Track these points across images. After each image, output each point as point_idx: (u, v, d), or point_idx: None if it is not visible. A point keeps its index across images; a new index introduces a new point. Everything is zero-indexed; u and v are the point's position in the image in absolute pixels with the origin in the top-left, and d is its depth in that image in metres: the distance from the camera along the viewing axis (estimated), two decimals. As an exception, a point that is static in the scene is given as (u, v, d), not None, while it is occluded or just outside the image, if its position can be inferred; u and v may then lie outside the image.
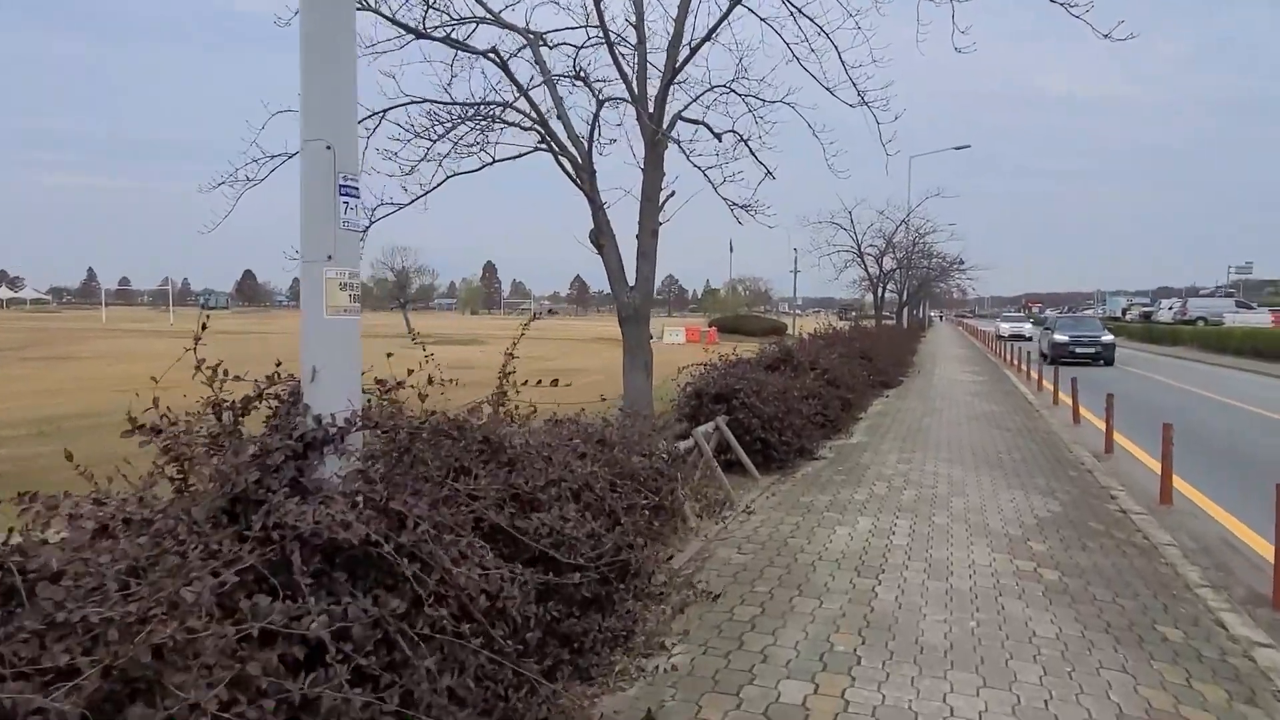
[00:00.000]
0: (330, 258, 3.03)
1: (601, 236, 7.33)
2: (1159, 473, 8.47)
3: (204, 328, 2.97)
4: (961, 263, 42.77)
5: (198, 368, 2.98)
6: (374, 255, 65.19)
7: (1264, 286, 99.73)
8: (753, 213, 8.09)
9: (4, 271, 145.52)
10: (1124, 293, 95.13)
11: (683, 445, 6.91)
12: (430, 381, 3.40)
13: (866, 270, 32.73)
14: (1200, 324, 42.37)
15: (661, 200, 7.41)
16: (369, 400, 3.41)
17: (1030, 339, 42.84)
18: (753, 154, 8.41)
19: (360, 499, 2.97)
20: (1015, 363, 26.58)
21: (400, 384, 3.39)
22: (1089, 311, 67.93)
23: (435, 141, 6.77)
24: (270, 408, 3.24)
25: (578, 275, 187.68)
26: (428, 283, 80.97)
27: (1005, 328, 46.84)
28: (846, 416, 11.94)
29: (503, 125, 7.12)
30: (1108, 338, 27.56)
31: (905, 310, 42.37)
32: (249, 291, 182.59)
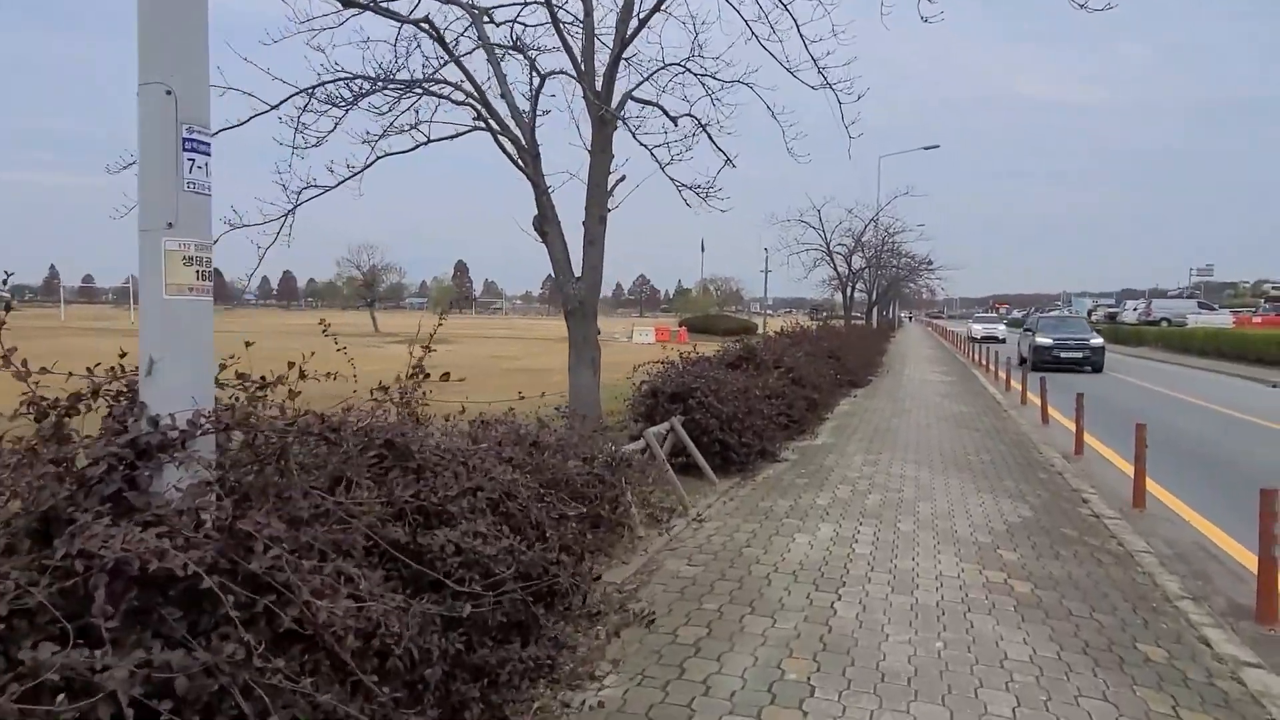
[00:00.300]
0: (171, 225, 2.51)
1: (545, 223, 6.81)
2: (1130, 475, 8.17)
3: (7, 309, 2.43)
4: (930, 263, 42.85)
5: (2, 359, 2.44)
6: (339, 254, 64.36)
7: (1224, 289, 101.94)
8: (703, 195, 7.63)
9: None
10: (1089, 294, 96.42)
11: (632, 447, 6.44)
12: (303, 375, 2.86)
13: (835, 269, 32.53)
14: (1164, 325, 42.90)
15: (611, 185, 6.93)
16: (235, 398, 2.89)
17: (1004, 341, 41.26)
18: (711, 140, 7.97)
19: (206, 518, 2.45)
20: (984, 363, 26.48)
21: (267, 381, 2.85)
22: (1055, 311, 67.55)
23: (346, 110, 6.17)
24: (108, 407, 2.71)
25: (549, 275, 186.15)
26: (396, 281, 79.78)
27: (978, 329, 44.21)
28: (812, 417, 11.56)
29: (436, 100, 6.57)
30: (1096, 340, 24.47)
31: (875, 310, 42.33)
32: (215, 290, 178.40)
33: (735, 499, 7.27)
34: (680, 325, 54.51)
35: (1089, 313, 63.51)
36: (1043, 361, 23.38)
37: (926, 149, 38.05)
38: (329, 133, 6.12)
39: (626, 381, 9.06)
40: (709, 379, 8.44)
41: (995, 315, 68.84)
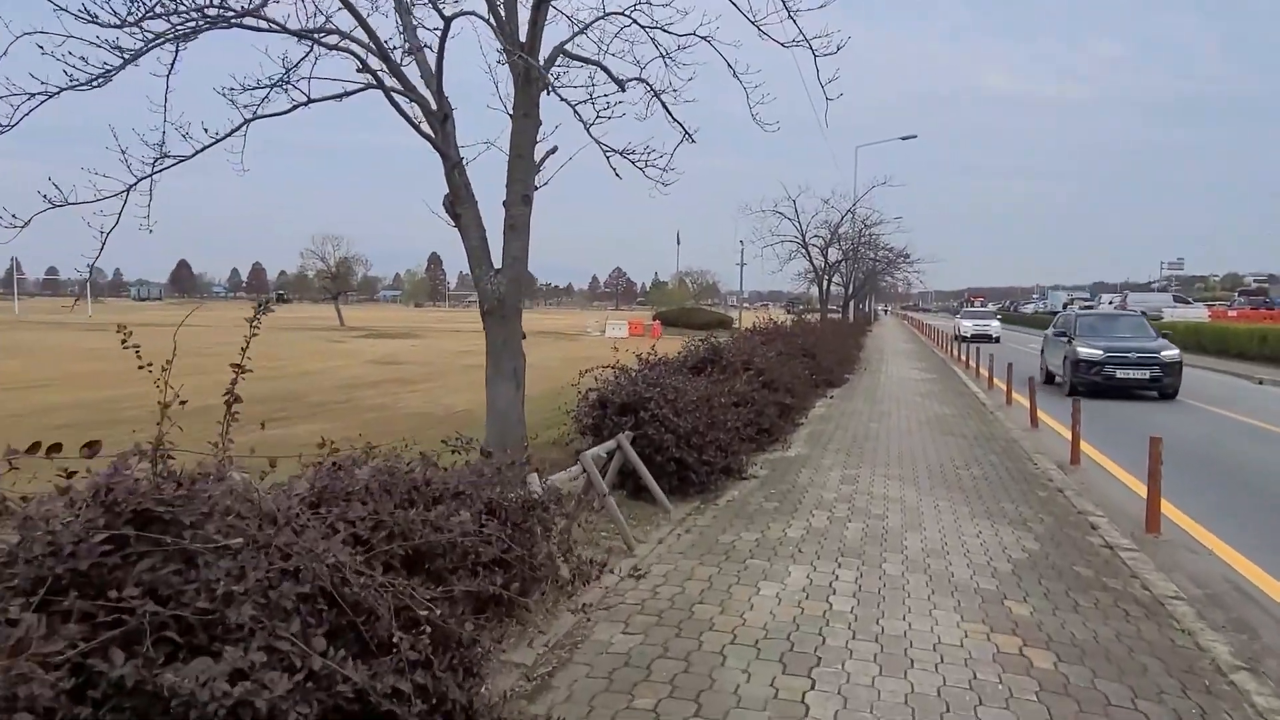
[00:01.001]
0: None
1: (459, 204, 5.62)
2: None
3: None
4: (908, 255, 42.02)
5: None
6: (304, 245, 62.69)
7: (1194, 282, 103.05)
8: (642, 165, 6.48)
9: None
10: (1063, 287, 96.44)
11: (564, 477, 5.32)
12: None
13: (811, 261, 31.54)
14: (1140, 318, 42.40)
15: (539, 157, 5.76)
16: None
17: (997, 340, 35.61)
18: (666, 110, 6.84)
19: None
20: (963, 358, 25.66)
21: None
22: (1029, 308, 66.08)
23: (126, 30, 4.71)
24: None
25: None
26: (362, 273, 77.91)
27: (968, 326, 36.98)
28: (784, 423, 10.49)
29: (315, 55, 5.33)
30: (1170, 352, 15.97)
31: (851, 303, 41.51)
32: (184, 283, 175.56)
33: (692, 531, 6.17)
34: (655, 319, 53.40)
35: (1064, 305, 62.98)
36: (1089, 382, 15.78)
37: (904, 139, 37.42)
38: (115, 66, 4.72)
39: (573, 389, 7.93)
40: (665, 387, 7.33)
41: (988, 309, 57.96)
